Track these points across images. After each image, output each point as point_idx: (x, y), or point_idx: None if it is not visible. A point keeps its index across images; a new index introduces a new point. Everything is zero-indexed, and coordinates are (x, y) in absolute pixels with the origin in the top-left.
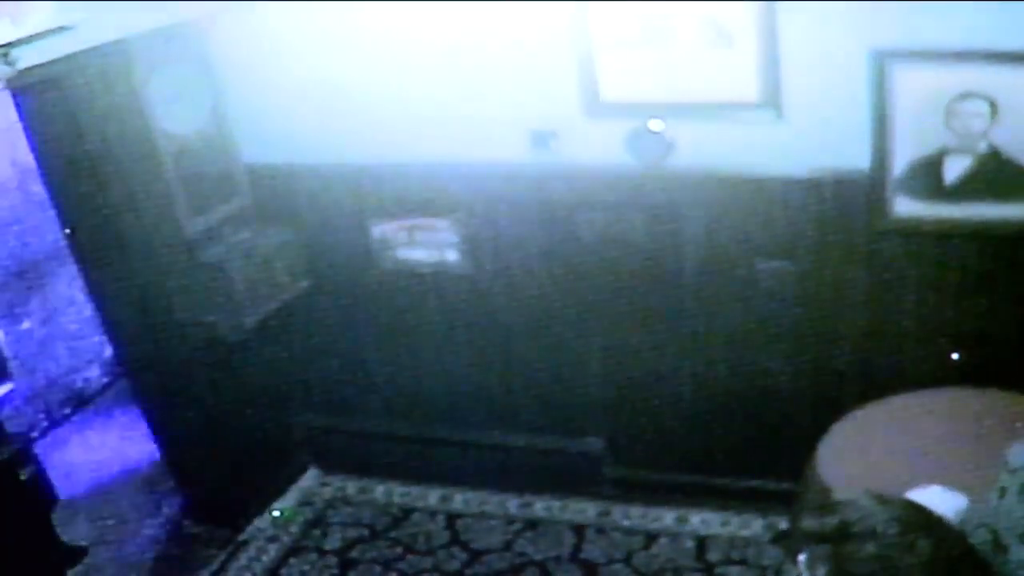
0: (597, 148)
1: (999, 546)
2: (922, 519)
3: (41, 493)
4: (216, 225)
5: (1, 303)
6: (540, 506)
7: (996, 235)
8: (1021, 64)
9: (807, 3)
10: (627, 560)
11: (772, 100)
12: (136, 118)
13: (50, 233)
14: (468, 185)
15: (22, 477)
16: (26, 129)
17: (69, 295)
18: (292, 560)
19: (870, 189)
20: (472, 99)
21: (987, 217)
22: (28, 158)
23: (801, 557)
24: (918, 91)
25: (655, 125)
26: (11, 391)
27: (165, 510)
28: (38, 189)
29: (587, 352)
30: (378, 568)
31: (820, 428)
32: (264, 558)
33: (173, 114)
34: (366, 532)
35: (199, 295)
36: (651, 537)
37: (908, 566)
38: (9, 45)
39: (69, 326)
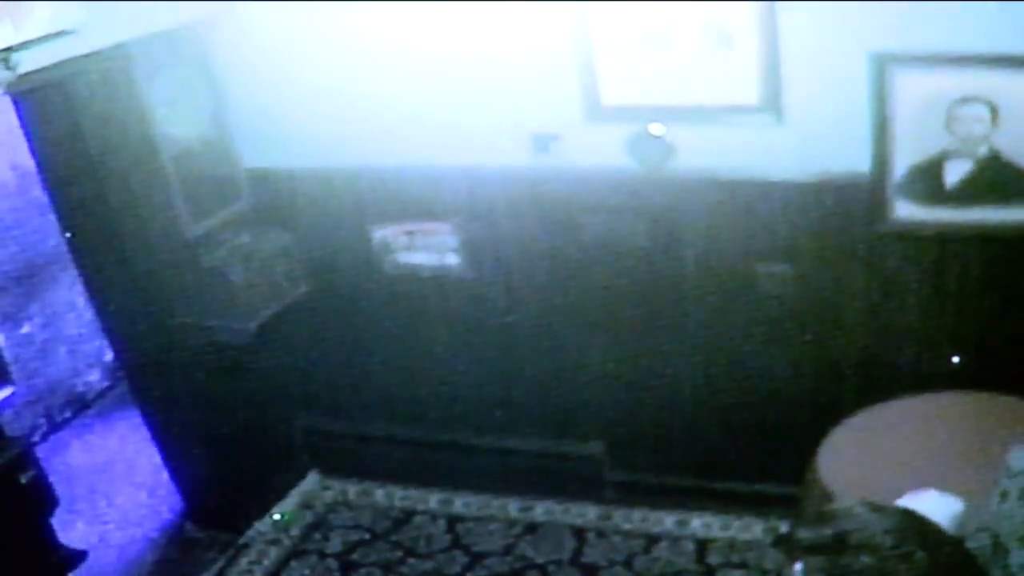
0: (598, 152)
1: (999, 550)
2: (919, 529)
3: (41, 497)
4: (217, 229)
5: (2, 307)
6: (541, 509)
7: (996, 239)
8: (1022, 68)
9: (808, 6)
10: (628, 563)
11: (772, 104)
12: (137, 122)
13: (51, 237)
14: (469, 189)
15: (22, 481)
16: (27, 133)
17: (70, 299)
18: (293, 563)
19: (870, 193)
20: (473, 102)
21: (988, 221)
22: (29, 162)
23: (797, 567)
24: (919, 95)
25: (656, 129)
26: (11, 395)
27: (165, 514)
28: (38, 193)
29: (588, 355)
30: (379, 571)
31: (820, 431)
32: (265, 561)
33: (174, 118)
34: (367, 535)
35: (200, 299)
36: (652, 540)
37: None
38: (10, 49)
39: (70, 330)
